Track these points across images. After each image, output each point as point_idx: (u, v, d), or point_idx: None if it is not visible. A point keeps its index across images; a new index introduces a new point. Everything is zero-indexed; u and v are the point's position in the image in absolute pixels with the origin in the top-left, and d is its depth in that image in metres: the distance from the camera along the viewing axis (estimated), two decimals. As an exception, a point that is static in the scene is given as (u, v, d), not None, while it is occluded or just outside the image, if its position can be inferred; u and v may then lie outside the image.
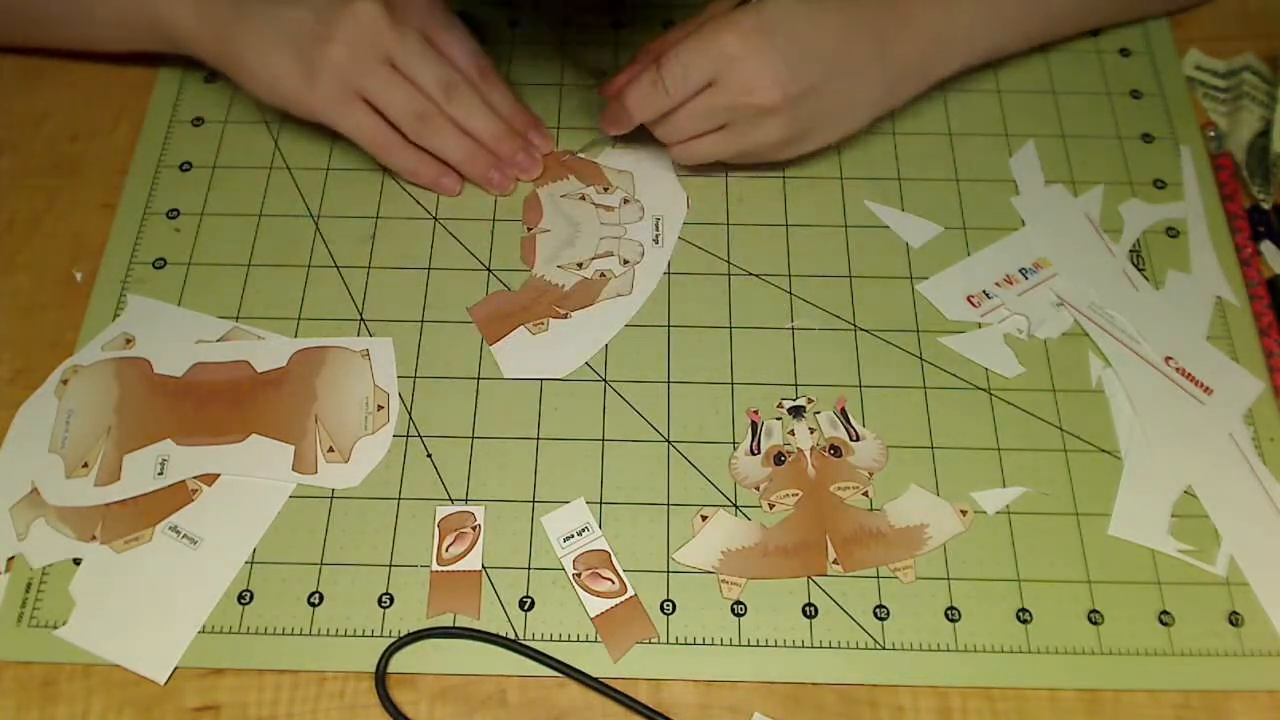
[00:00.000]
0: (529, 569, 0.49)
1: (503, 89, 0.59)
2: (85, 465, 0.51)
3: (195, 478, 0.51)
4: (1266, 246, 0.57)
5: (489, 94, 0.58)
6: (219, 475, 0.51)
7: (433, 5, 0.57)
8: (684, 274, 0.57)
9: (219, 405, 0.52)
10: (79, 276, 0.56)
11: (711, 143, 0.55)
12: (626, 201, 0.59)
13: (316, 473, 0.51)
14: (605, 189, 0.59)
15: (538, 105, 0.62)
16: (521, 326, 0.55)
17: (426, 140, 0.57)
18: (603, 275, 0.56)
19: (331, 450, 0.51)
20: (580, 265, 0.57)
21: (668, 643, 0.47)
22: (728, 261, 0.57)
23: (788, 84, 0.52)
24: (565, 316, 0.55)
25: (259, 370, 0.53)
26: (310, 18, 0.54)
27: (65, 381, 0.53)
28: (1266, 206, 0.58)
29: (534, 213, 0.59)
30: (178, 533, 0.49)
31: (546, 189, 0.59)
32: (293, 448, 0.51)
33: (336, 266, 0.57)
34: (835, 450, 0.52)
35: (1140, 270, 0.57)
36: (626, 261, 0.57)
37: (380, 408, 0.52)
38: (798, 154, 0.57)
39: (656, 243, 0.57)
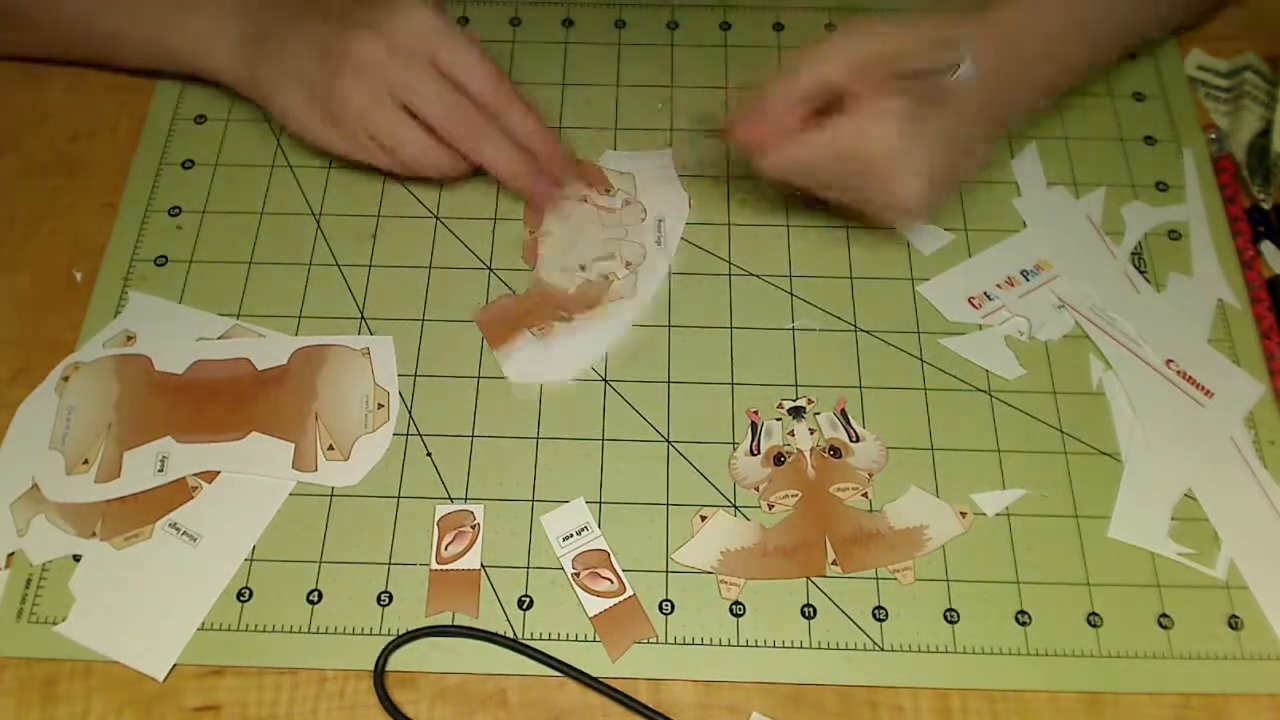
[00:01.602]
0: (528, 568, 0.49)
1: (524, 112, 0.55)
2: (86, 462, 0.51)
3: (195, 475, 0.51)
4: (1266, 247, 0.57)
5: (509, 119, 0.55)
6: (219, 473, 0.51)
7: (442, 30, 0.53)
8: (685, 274, 0.57)
9: (219, 403, 0.52)
10: (79, 276, 0.56)
11: (822, 194, 0.55)
12: (628, 203, 0.59)
13: (316, 470, 0.51)
14: (606, 191, 0.59)
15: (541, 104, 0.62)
16: (525, 330, 0.55)
17: (466, 147, 0.55)
18: (606, 278, 0.56)
19: (331, 448, 0.51)
20: (583, 268, 0.57)
21: (666, 643, 0.47)
22: (729, 262, 0.57)
23: (926, 184, 0.50)
24: (569, 320, 0.55)
25: (259, 368, 0.53)
26: (315, 54, 0.54)
27: (66, 378, 0.53)
28: (1266, 206, 0.58)
29: (535, 215, 0.59)
30: (177, 530, 0.49)
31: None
32: (293, 445, 0.51)
33: (338, 265, 0.57)
34: (835, 451, 0.52)
35: (1142, 272, 0.57)
36: (629, 264, 0.57)
37: (380, 406, 0.53)
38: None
39: (659, 244, 0.57)
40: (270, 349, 0.54)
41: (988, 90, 0.52)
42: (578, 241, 0.58)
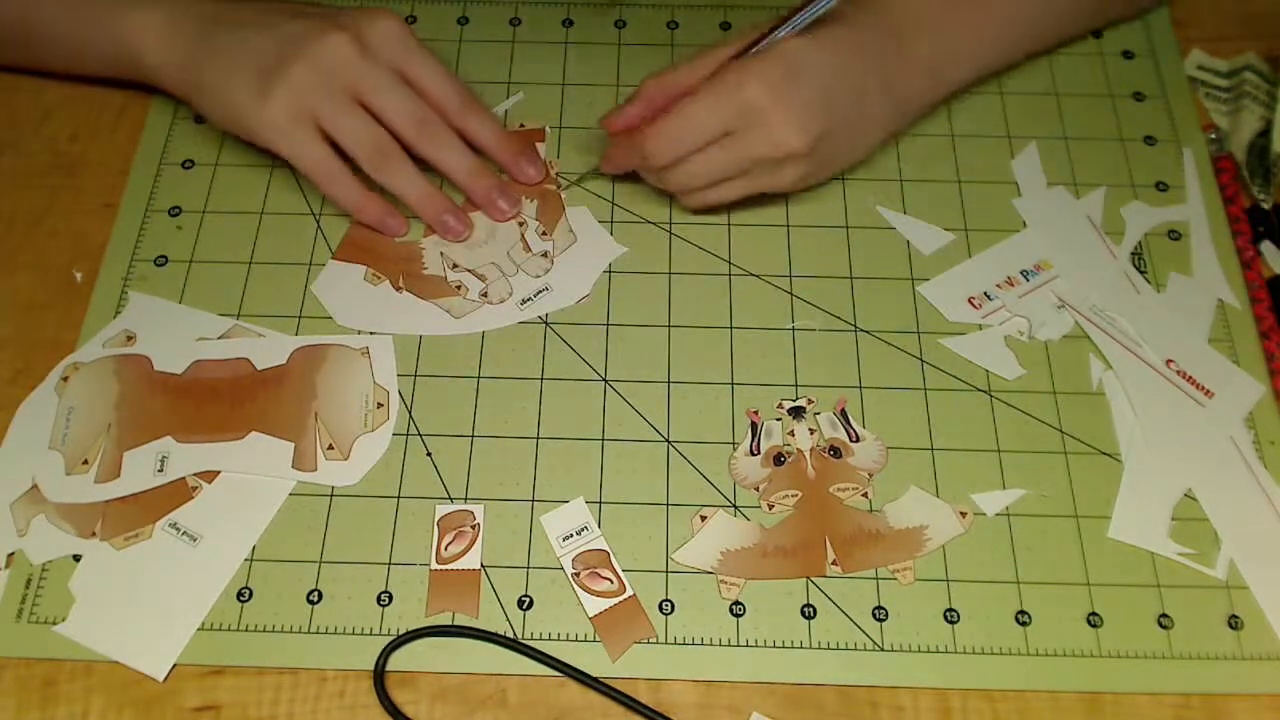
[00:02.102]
0: (528, 568, 0.49)
1: (483, 116, 0.57)
2: (85, 462, 0.51)
3: (195, 475, 0.51)
4: (1266, 246, 0.57)
5: (469, 125, 0.56)
6: (219, 473, 0.51)
7: (405, 39, 0.54)
8: (685, 274, 0.57)
9: (219, 402, 0.52)
10: (79, 276, 0.56)
11: (726, 189, 0.54)
12: (545, 256, 0.57)
13: (316, 470, 0.51)
14: (544, 234, 0.58)
15: (537, 102, 0.62)
16: (364, 268, 0.56)
17: (381, 176, 0.55)
18: (459, 287, 0.56)
19: (331, 448, 0.51)
20: (454, 266, 0.56)
21: (666, 643, 0.47)
22: (729, 262, 0.57)
23: (810, 131, 0.51)
24: (399, 291, 0.56)
25: (259, 367, 0.53)
26: (277, 43, 0.53)
27: (66, 378, 0.53)
28: (1266, 206, 0.58)
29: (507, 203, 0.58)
30: (177, 530, 0.49)
31: None
32: (293, 445, 0.51)
33: (337, 265, 0.57)
34: (835, 451, 0.52)
35: (1142, 272, 0.57)
36: (485, 295, 0.56)
37: (380, 405, 0.53)
38: (805, 188, 0.57)
39: (520, 304, 0.56)
40: (270, 348, 0.54)
41: (872, 47, 0.53)
42: (477, 247, 0.57)
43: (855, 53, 0.53)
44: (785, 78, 0.50)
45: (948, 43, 0.56)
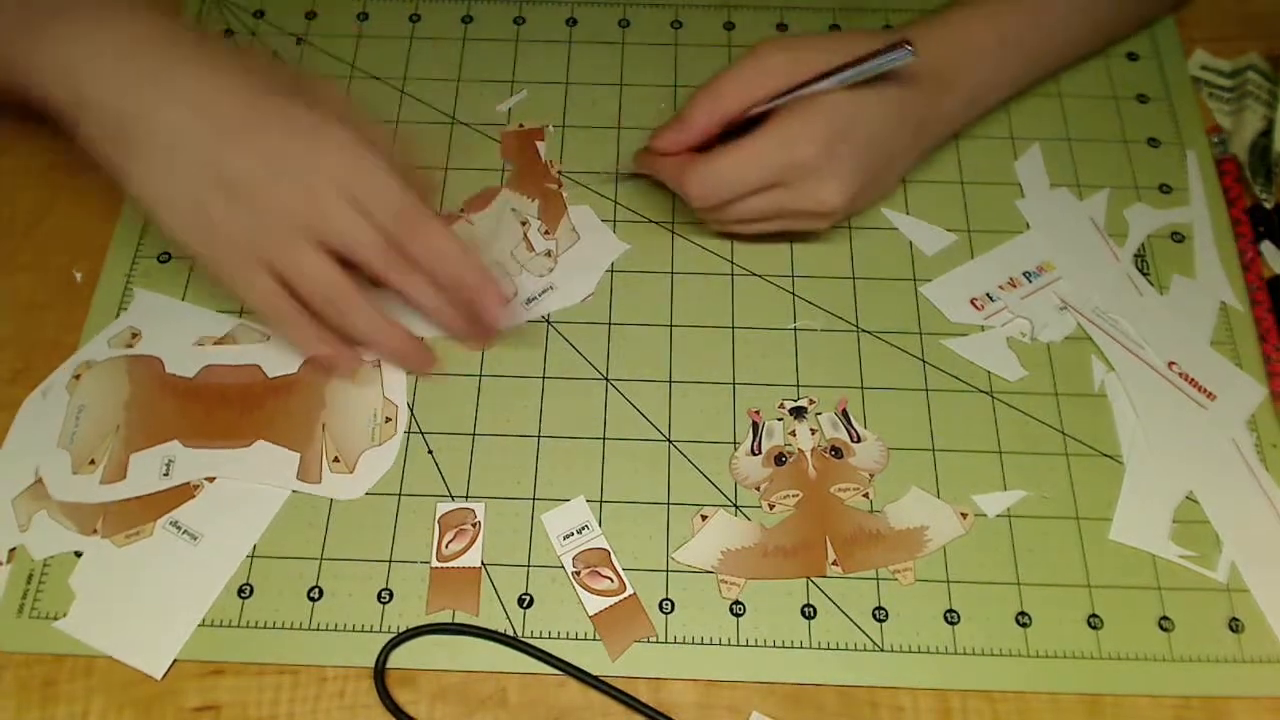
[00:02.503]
0: (528, 566, 0.49)
1: (440, 235, 0.49)
2: (92, 462, 0.51)
3: (197, 473, 0.51)
4: (1266, 246, 0.57)
5: (427, 249, 0.49)
6: (221, 472, 0.51)
7: (361, 160, 0.48)
8: (687, 274, 0.57)
9: (228, 409, 0.52)
10: (79, 276, 0.56)
11: (757, 229, 0.55)
12: (548, 255, 0.57)
13: (320, 482, 0.51)
14: (547, 233, 0.58)
15: (540, 101, 0.62)
16: None
17: (335, 323, 0.50)
18: None
19: (336, 460, 0.51)
20: None
21: (666, 642, 0.47)
22: (731, 261, 0.57)
23: (850, 191, 0.51)
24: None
25: (270, 375, 0.53)
26: (214, 182, 0.47)
27: (78, 376, 0.53)
28: (1268, 206, 0.58)
29: (480, 204, 0.58)
30: (179, 528, 0.49)
31: (507, 195, 0.59)
32: (298, 455, 0.51)
33: (340, 263, 0.57)
34: (836, 451, 0.52)
35: (1144, 275, 0.56)
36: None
37: (389, 420, 0.52)
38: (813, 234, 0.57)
39: (526, 304, 0.55)
40: (281, 356, 0.54)
41: (912, 102, 0.52)
42: (480, 248, 0.57)
43: (897, 110, 0.52)
44: (836, 138, 0.50)
45: (979, 88, 0.57)
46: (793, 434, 0.52)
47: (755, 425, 0.52)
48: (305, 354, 0.53)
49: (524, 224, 0.58)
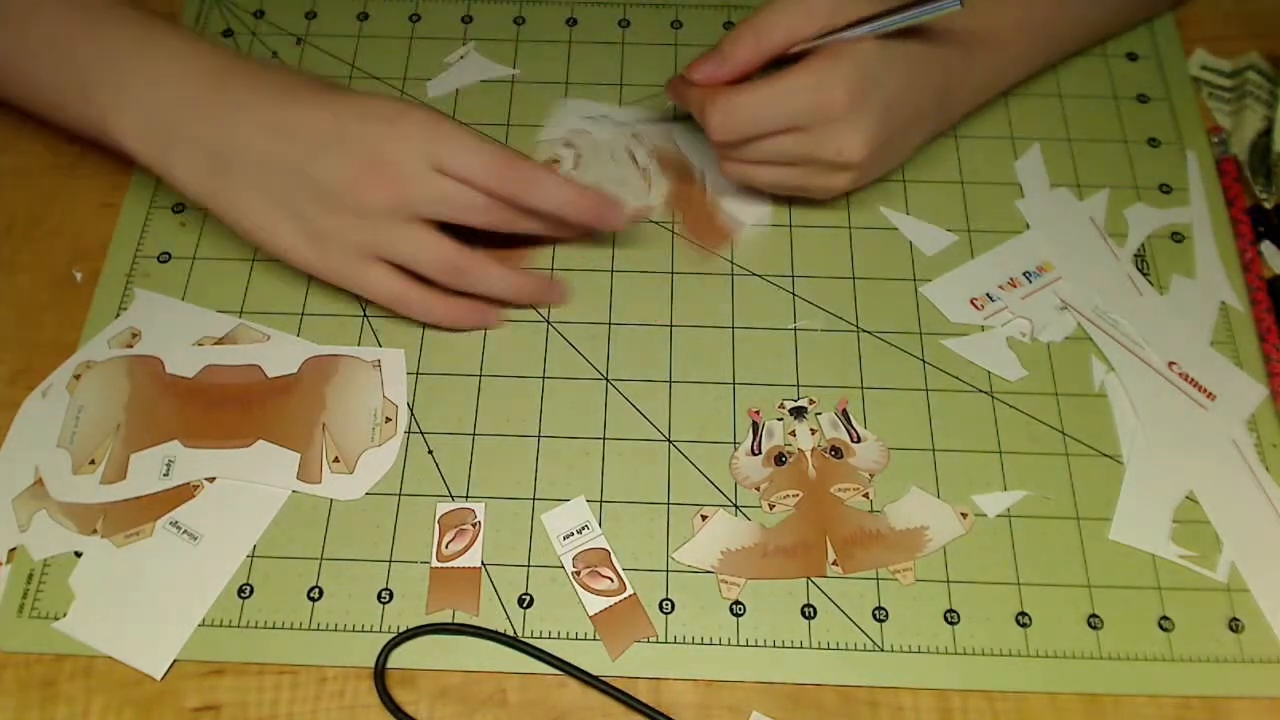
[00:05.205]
0: (528, 566, 0.49)
1: (544, 182, 0.51)
2: (92, 462, 0.51)
3: (197, 473, 0.51)
4: (1266, 246, 0.57)
5: (531, 197, 0.50)
6: (221, 472, 0.51)
7: (441, 130, 0.49)
8: (687, 274, 0.57)
9: (228, 409, 0.52)
10: (79, 276, 0.56)
11: (773, 174, 0.54)
12: (644, 172, 0.59)
13: (320, 482, 0.51)
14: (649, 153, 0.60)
15: (541, 100, 0.62)
16: None
17: (462, 287, 0.52)
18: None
19: (337, 460, 0.51)
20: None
21: (666, 642, 0.47)
22: (731, 261, 0.57)
23: (873, 144, 0.51)
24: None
25: (270, 375, 0.53)
26: (308, 191, 0.49)
27: (78, 376, 0.53)
28: (1268, 206, 0.58)
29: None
30: (178, 528, 0.49)
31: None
32: (298, 456, 0.51)
33: (340, 263, 0.57)
34: (836, 451, 0.52)
35: (1145, 275, 0.56)
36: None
37: (389, 420, 0.52)
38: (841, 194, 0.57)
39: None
40: (281, 356, 0.54)
41: (940, 65, 0.53)
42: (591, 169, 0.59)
43: (924, 68, 0.52)
44: (864, 85, 0.50)
45: (1004, 56, 0.57)
46: (793, 434, 0.52)
47: (755, 425, 0.52)
48: (447, 326, 0.54)
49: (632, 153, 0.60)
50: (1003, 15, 0.56)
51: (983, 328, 0.55)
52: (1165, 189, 0.59)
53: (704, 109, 0.51)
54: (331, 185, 0.49)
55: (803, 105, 0.50)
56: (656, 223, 0.58)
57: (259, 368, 0.53)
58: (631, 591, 0.48)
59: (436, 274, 0.52)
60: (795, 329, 0.55)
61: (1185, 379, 0.53)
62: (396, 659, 0.47)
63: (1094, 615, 0.48)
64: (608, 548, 0.49)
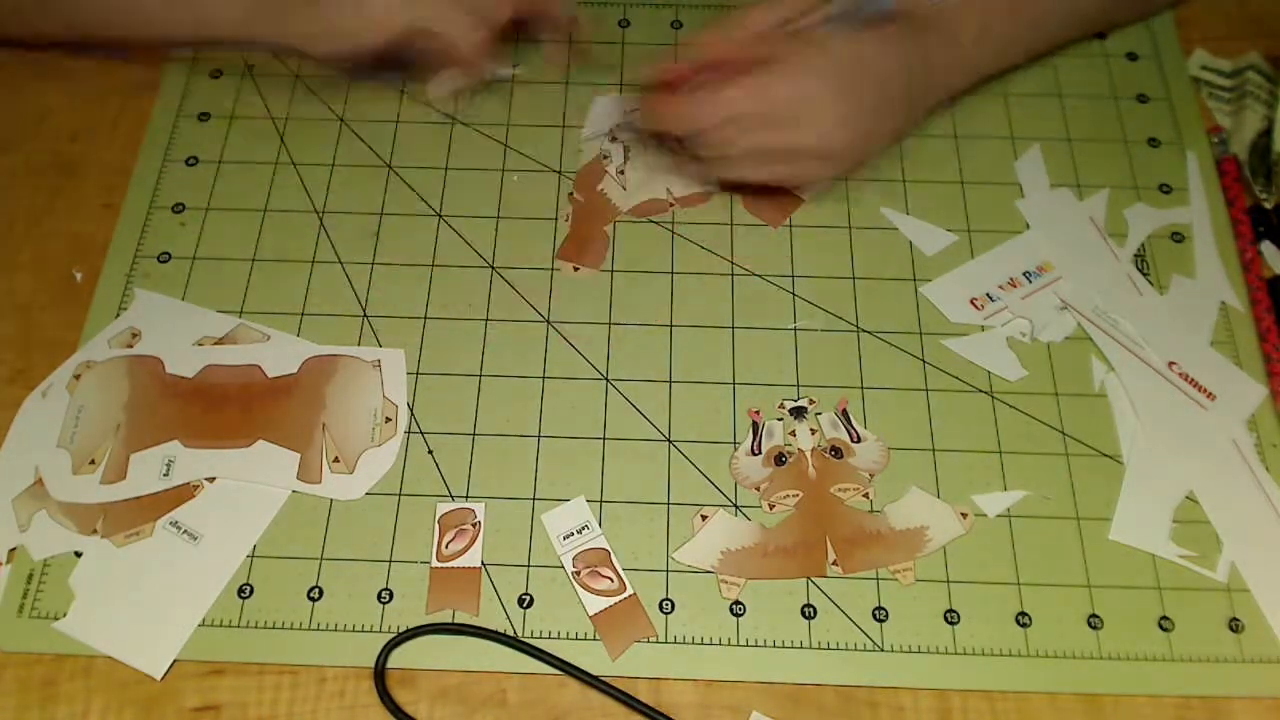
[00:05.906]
0: (528, 566, 0.49)
1: None
2: (92, 462, 0.51)
3: (197, 473, 0.51)
4: (1266, 246, 0.57)
5: None
6: (221, 471, 0.51)
7: None
8: (687, 273, 0.57)
9: (228, 409, 0.52)
10: (79, 276, 0.56)
11: (754, 167, 0.55)
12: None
13: (320, 482, 0.51)
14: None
15: (542, 102, 0.62)
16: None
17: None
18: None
19: (337, 460, 0.51)
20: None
21: (666, 642, 0.47)
22: (731, 261, 0.57)
23: (855, 128, 0.52)
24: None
25: (270, 375, 0.53)
26: None
27: (78, 376, 0.53)
28: (1268, 206, 0.58)
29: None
30: (178, 528, 0.49)
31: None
32: (298, 456, 0.51)
33: (340, 262, 0.57)
34: (836, 451, 0.52)
35: (1145, 275, 0.56)
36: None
37: (389, 420, 0.52)
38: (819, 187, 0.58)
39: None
40: (281, 356, 0.54)
41: (916, 47, 0.54)
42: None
43: (897, 50, 0.53)
44: (839, 72, 0.51)
45: (983, 42, 0.57)
46: (793, 434, 0.52)
47: (755, 425, 0.52)
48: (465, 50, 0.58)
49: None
50: (970, 15, 0.56)
51: (983, 328, 0.55)
52: (1165, 189, 0.59)
53: (681, 105, 0.52)
54: None
55: (784, 93, 0.51)
56: (656, 223, 0.58)
57: (259, 368, 0.53)
58: (631, 591, 0.48)
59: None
60: (795, 329, 0.55)
61: (1185, 379, 0.53)
62: (396, 659, 0.47)
63: (1094, 615, 0.48)
64: (608, 548, 0.49)
